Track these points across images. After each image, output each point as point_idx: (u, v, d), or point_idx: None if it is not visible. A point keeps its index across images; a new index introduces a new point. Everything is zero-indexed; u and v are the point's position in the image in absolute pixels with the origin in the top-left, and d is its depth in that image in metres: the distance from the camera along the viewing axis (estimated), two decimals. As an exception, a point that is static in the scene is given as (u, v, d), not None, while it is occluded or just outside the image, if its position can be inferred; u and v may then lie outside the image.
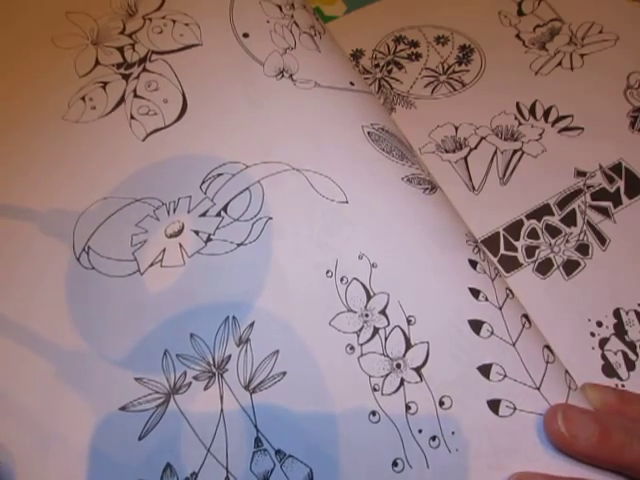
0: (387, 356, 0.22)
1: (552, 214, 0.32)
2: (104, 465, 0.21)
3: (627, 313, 0.29)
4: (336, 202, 0.25)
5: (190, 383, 0.22)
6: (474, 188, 0.33)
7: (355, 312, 0.23)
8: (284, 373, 0.22)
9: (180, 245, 0.24)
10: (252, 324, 0.23)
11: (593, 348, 0.28)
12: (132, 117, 0.27)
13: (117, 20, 0.29)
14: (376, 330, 0.23)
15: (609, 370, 0.27)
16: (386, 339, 0.23)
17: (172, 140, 0.27)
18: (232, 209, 0.25)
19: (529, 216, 0.32)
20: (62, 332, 0.23)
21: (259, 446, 0.21)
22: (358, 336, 0.23)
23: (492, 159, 0.34)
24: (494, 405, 0.22)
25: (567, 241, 0.31)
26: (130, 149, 0.26)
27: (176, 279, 0.24)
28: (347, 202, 0.25)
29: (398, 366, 0.22)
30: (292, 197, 0.25)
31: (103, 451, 0.21)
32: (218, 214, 0.25)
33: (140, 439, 0.21)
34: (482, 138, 0.34)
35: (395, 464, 0.21)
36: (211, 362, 0.22)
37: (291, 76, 0.28)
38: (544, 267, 0.30)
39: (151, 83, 0.27)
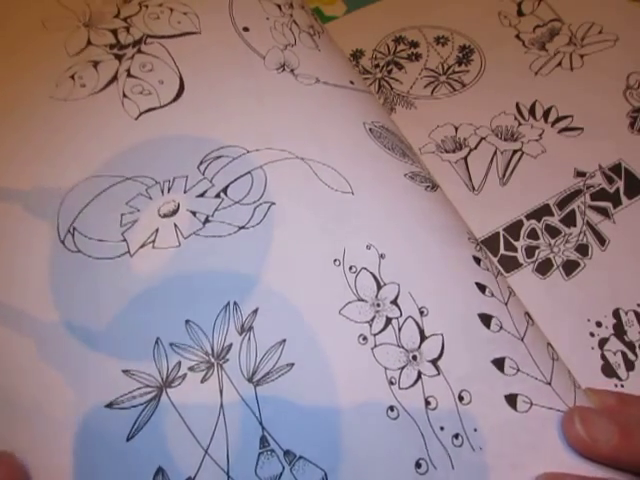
0: (402, 347, 0.21)
1: (552, 214, 0.32)
2: (89, 469, 0.19)
3: (626, 313, 0.29)
4: (341, 192, 0.24)
5: (185, 375, 0.20)
6: (474, 188, 0.33)
7: (366, 301, 0.22)
8: (292, 364, 0.20)
9: (175, 225, 0.23)
10: (255, 311, 0.21)
11: (592, 348, 0.28)
12: (125, 95, 0.26)
13: (111, 5, 0.28)
14: (389, 320, 0.21)
15: (608, 370, 0.27)
16: (400, 330, 0.21)
17: (167, 120, 0.25)
18: (232, 192, 0.24)
19: (529, 216, 0.32)
20: (44, 319, 0.21)
21: (265, 446, 0.19)
22: (370, 326, 0.21)
23: (492, 159, 0.34)
24: (511, 400, 0.21)
25: (567, 241, 0.31)
26: (122, 127, 0.25)
27: (170, 261, 0.22)
28: (352, 193, 0.24)
29: (414, 358, 0.21)
30: (296, 185, 0.24)
31: (87, 454, 0.19)
32: (217, 195, 0.23)
33: (128, 440, 0.19)
34: (482, 138, 0.34)
35: (418, 465, 0.19)
36: (209, 351, 0.20)
37: (292, 71, 0.27)
38: (544, 267, 0.30)
39: (146, 64, 0.26)
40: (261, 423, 0.19)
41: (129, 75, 0.26)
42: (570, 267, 0.30)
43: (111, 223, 0.23)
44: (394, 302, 0.22)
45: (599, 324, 0.28)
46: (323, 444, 0.19)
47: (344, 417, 0.20)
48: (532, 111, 0.35)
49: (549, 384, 0.22)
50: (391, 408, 0.20)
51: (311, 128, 0.26)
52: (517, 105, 0.35)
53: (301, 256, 0.22)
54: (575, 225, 0.31)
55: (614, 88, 0.36)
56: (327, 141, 0.26)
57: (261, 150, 0.25)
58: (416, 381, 0.21)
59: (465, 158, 0.34)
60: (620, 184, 0.32)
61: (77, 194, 0.23)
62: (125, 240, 0.22)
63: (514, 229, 0.31)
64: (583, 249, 0.30)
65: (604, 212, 0.32)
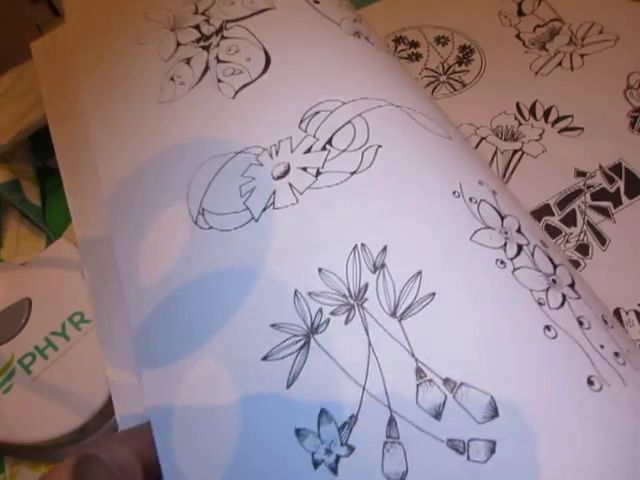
0: (540, 271, 0.20)
1: (552, 214, 0.32)
2: (258, 416, 0.20)
3: (627, 313, 0.29)
4: (441, 136, 0.24)
5: (328, 319, 0.20)
6: (474, 188, 0.33)
7: (494, 229, 0.21)
8: (433, 294, 0.20)
9: (290, 184, 0.23)
10: (385, 248, 0.21)
11: (593, 348, 0.28)
12: (219, 80, 0.27)
13: (189, 4, 0.30)
14: (520, 247, 0.21)
15: (609, 370, 0.27)
16: (532, 255, 0.21)
17: (262, 90, 0.26)
18: (337, 141, 0.24)
19: (529, 216, 0.32)
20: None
21: (422, 377, 0.19)
22: (505, 251, 0.21)
23: (492, 159, 0.34)
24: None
25: (567, 241, 0.31)
26: (223, 109, 0.26)
27: (292, 217, 0.23)
28: (450, 138, 0.24)
29: (554, 282, 0.20)
30: (398, 128, 0.24)
31: (254, 404, 0.20)
32: (323, 148, 0.24)
33: (288, 386, 0.20)
34: (482, 138, 0.34)
35: (591, 382, 0.18)
36: (347, 294, 0.20)
37: (367, 38, 0.28)
38: (544, 267, 0.30)
39: (231, 47, 0.28)
40: (413, 355, 0.19)
41: (219, 61, 0.28)
42: (570, 267, 0.30)
43: (233, 196, 0.24)
44: (519, 231, 0.22)
45: (599, 324, 0.28)
46: (482, 368, 0.19)
47: (500, 339, 0.19)
48: (532, 111, 0.35)
49: None
50: (547, 327, 0.19)
51: (397, 82, 0.27)
52: (517, 105, 0.35)
53: (419, 190, 0.22)
54: (575, 225, 0.31)
55: (614, 88, 0.36)
56: (413, 95, 0.26)
57: (357, 100, 0.25)
58: (563, 303, 0.20)
59: (465, 158, 0.34)
60: (620, 184, 0.32)
61: (199, 178, 0.25)
62: (248, 208, 0.23)
63: (514, 229, 0.31)
64: (583, 249, 0.30)
65: (605, 212, 0.32)
